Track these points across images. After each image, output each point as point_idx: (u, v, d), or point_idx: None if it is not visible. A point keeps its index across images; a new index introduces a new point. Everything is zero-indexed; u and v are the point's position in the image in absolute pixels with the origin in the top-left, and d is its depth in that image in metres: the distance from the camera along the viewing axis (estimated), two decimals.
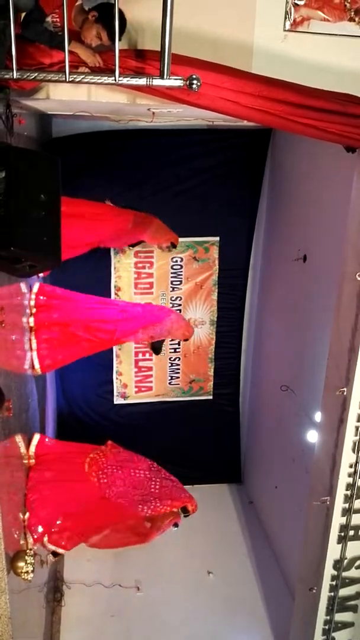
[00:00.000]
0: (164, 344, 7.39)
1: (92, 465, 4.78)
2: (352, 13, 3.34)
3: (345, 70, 3.42)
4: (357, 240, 4.07)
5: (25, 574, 3.35)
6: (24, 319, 4.86)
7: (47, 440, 4.99)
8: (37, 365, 5.04)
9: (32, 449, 4.66)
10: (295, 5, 3.29)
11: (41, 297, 5.17)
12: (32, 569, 3.34)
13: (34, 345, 5.00)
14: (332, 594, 4.77)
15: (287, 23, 3.32)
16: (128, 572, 6.56)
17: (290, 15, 3.30)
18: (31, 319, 5.01)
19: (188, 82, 2.72)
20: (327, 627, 4.90)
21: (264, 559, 7.08)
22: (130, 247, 6.44)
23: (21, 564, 3.25)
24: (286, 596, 6.34)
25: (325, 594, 4.78)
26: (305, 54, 3.39)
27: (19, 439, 4.23)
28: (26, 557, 3.24)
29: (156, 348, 6.07)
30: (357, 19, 3.35)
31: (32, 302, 5.12)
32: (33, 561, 3.32)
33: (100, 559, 6.63)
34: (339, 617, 4.88)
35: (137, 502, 4.66)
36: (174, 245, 6.02)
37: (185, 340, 5.92)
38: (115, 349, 7.45)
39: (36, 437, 4.79)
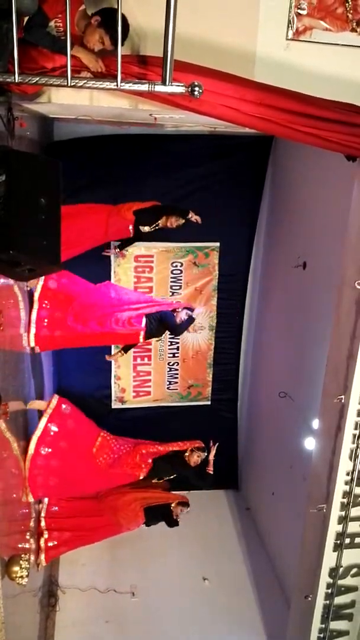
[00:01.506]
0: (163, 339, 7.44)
1: (101, 448, 5.39)
2: (354, 24, 3.35)
3: (346, 80, 3.43)
4: (357, 248, 4.07)
5: (20, 579, 3.33)
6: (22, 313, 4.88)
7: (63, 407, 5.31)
8: (32, 340, 5.13)
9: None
10: (298, 14, 3.30)
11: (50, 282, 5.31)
12: (26, 573, 3.32)
13: (33, 321, 5.11)
14: (328, 602, 4.76)
15: (289, 32, 3.33)
16: (123, 578, 6.53)
17: (293, 24, 3.31)
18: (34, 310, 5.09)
19: (190, 88, 2.72)
20: (322, 635, 4.88)
21: (260, 565, 7.05)
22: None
23: (16, 568, 3.23)
24: (282, 603, 6.31)
25: (320, 601, 4.77)
26: (308, 63, 3.40)
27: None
28: (21, 562, 3.22)
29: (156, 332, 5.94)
30: (359, 29, 3.37)
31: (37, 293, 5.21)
32: (28, 565, 3.30)
33: (95, 563, 6.62)
34: (334, 625, 4.87)
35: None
36: (184, 214, 5.91)
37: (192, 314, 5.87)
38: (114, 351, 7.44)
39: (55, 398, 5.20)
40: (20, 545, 4.30)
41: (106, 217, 5.67)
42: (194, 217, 5.85)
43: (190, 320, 5.96)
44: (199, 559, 6.93)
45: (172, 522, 5.68)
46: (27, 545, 4.56)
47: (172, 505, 5.66)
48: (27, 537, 4.56)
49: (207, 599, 6.48)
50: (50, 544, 5.20)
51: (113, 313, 5.44)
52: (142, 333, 5.56)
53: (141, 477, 5.43)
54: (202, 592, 6.58)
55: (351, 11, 3.32)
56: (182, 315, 5.68)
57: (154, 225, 5.84)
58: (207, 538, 7.25)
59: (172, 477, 5.55)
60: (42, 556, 5.12)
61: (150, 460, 5.48)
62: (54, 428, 5.01)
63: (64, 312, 5.28)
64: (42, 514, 5.25)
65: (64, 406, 5.20)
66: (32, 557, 4.80)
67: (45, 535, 5.17)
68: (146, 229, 5.82)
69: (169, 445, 5.66)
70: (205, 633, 6.12)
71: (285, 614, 5.73)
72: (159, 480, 5.55)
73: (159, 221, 5.80)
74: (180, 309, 5.73)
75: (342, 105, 3.29)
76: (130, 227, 5.77)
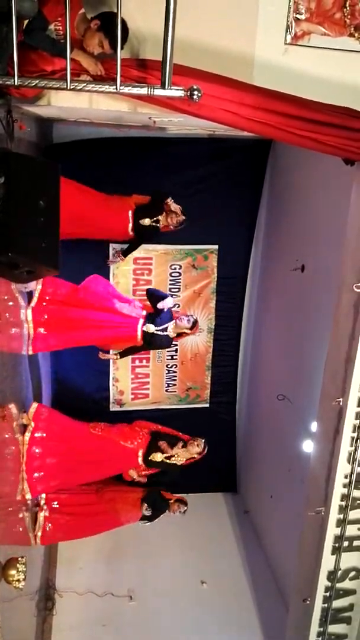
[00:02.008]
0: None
1: (96, 425, 5.48)
2: (352, 29, 3.37)
3: (344, 84, 3.45)
4: (355, 251, 4.08)
5: (17, 582, 3.32)
6: (22, 311, 4.88)
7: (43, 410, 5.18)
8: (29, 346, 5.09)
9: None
10: (297, 19, 3.32)
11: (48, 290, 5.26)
12: (23, 577, 3.31)
13: (31, 330, 5.06)
14: (326, 605, 4.75)
15: (288, 36, 3.35)
16: (121, 581, 6.52)
17: (291, 29, 3.33)
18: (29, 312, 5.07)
19: (189, 92, 2.73)
20: (320, 638, 4.87)
21: (259, 569, 7.04)
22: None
23: (13, 572, 3.22)
24: (280, 607, 6.30)
25: (319, 605, 4.76)
26: (306, 67, 3.42)
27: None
28: (18, 565, 3.21)
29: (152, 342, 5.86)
30: (356, 34, 3.39)
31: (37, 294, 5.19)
32: (25, 569, 3.30)
33: (92, 567, 6.61)
34: (333, 628, 4.86)
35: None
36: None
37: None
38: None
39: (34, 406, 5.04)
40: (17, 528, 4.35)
41: (107, 199, 5.68)
42: (173, 205, 5.82)
43: (168, 338, 5.81)
44: (197, 562, 6.91)
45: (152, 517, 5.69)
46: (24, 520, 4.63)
47: (171, 501, 5.67)
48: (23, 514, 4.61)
49: (205, 602, 6.46)
50: (48, 524, 5.16)
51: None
52: (140, 321, 5.53)
53: (140, 457, 5.41)
54: (200, 595, 6.56)
55: (349, 16, 3.34)
56: (183, 321, 5.68)
57: (154, 219, 5.79)
58: (205, 541, 7.24)
59: (171, 457, 5.51)
60: (39, 533, 5.10)
61: (148, 432, 5.52)
62: (41, 433, 4.98)
63: (62, 311, 5.27)
64: (42, 502, 5.25)
65: (43, 410, 5.14)
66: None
67: (46, 512, 5.13)
68: (146, 221, 5.75)
69: (169, 430, 5.72)
70: (203, 636, 6.10)
71: (283, 617, 5.72)
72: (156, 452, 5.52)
73: (159, 216, 5.80)
74: (182, 316, 5.76)
75: (340, 109, 3.31)
76: (130, 213, 5.72)
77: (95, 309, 5.39)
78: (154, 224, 5.80)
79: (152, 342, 5.65)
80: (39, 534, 5.11)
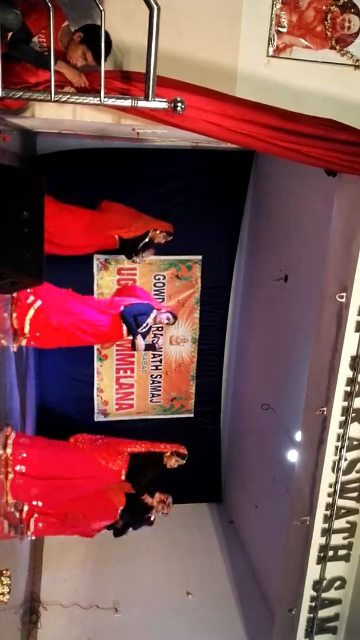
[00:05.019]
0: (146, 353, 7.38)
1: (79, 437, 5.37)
2: (333, 42, 3.42)
3: (326, 96, 3.49)
4: (337, 261, 4.12)
5: (1, 596, 3.28)
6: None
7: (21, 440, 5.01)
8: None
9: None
10: (278, 32, 3.36)
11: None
12: (8, 590, 3.27)
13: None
14: (312, 615, 4.75)
15: (270, 49, 3.39)
16: (106, 593, 6.47)
17: (274, 41, 3.37)
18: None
19: (172, 104, 2.76)
20: None
21: (244, 579, 7.03)
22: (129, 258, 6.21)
23: None
24: (266, 617, 6.28)
25: (304, 615, 4.75)
26: (288, 80, 3.45)
27: None
28: (2, 578, 3.17)
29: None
30: (337, 47, 3.44)
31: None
32: (9, 582, 3.26)
33: (77, 579, 6.55)
34: (319, 639, 4.85)
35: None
36: (170, 234, 5.98)
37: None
38: (96, 365, 7.41)
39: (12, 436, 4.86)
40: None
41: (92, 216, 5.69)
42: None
43: (152, 340, 5.87)
44: (182, 572, 6.89)
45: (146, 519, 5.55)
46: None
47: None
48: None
49: (191, 613, 6.43)
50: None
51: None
52: (122, 307, 5.52)
53: (122, 477, 5.27)
54: (185, 606, 6.53)
55: (330, 29, 3.39)
56: (162, 317, 5.72)
57: (142, 242, 5.85)
58: (190, 551, 7.21)
59: (145, 480, 5.42)
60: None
61: (127, 455, 5.34)
62: (22, 459, 4.89)
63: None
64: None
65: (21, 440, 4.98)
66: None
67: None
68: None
69: (150, 445, 5.55)
70: None
71: (269, 627, 5.70)
72: (134, 482, 5.41)
73: (146, 239, 5.84)
74: (163, 310, 5.79)
75: (322, 121, 3.34)
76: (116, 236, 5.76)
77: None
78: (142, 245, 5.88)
79: (136, 321, 5.60)
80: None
